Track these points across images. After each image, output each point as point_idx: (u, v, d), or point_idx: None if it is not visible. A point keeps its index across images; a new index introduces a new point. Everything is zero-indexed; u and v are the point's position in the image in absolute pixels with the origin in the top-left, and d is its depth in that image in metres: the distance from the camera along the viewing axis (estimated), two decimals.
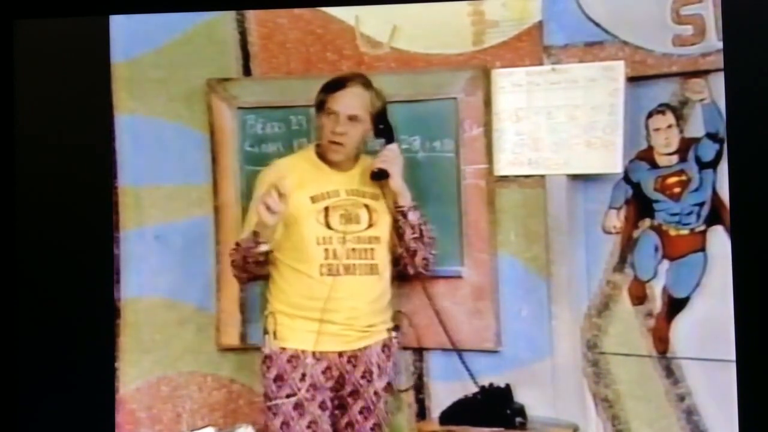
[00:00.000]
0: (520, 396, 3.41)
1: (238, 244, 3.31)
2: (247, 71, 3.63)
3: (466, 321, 3.50)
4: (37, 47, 3.51)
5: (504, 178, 3.48)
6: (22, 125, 3.49)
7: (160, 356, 3.60)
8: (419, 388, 3.56)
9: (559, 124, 3.41)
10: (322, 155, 3.39)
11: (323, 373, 3.31)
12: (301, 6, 3.55)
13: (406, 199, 3.37)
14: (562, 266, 3.44)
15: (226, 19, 3.62)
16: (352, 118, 3.34)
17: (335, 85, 3.37)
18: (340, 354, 3.33)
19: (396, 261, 3.42)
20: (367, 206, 3.39)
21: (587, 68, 3.38)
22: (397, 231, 3.38)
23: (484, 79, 3.47)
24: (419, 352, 3.55)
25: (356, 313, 3.33)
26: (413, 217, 3.37)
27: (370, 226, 3.38)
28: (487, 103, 3.47)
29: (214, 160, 3.62)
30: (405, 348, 3.50)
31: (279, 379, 3.30)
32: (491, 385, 3.40)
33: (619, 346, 3.42)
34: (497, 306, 3.49)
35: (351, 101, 3.34)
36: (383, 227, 3.39)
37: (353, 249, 3.34)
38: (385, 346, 3.39)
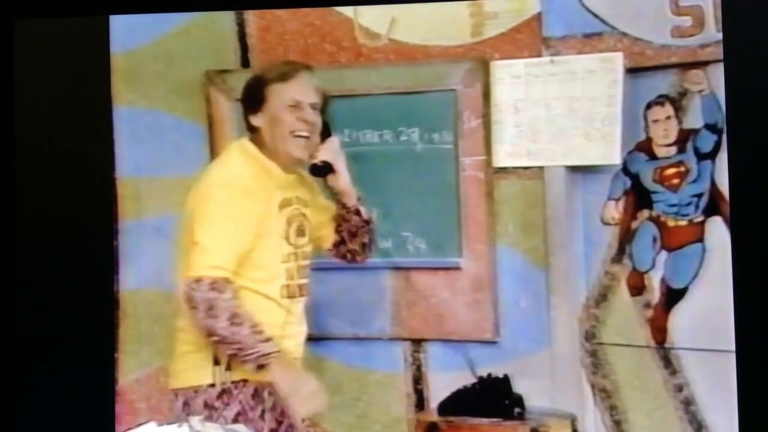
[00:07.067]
0: (519, 386, 3.41)
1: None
2: (245, 63, 3.62)
3: (464, 312, 3.51)
4: (37, 47, 3.50)
5: (503, 170, 3.48)
6: (21, 120, 3.49)
7: (159, 347, 3.59)
8: (418, 378, 3.58)
9: (558, 116, 3.41)
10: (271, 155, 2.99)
11: (271, 410, 2.95)
12: (300, 6, 3.55)
13: (353, 196, 3.09)
14: (560, 257, 3.45)
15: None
16: (315, 107, 3.01)
17: (284, 74, 3.02)
18: None
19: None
20: (305, 215, 3.06)
21: (586, 60, 3.38)
22: (347, 231, 3.12)
23: (482, 70, 3.47)
24: (418, 342, 3.56)
25: (302, 339, 3.04)
26: (365, 210, 3.12)
27: (309, 239, 3.07)
28: (486, 94, 3.47)
29: (213, 152, 3.61)
30: (404, 339, 3.52)
31: (240, 416, 2.88)
32: (490, 375, 3.41)
33: (617, 336, 3.43)
34: (496, 297, 3.49)
35: (309, 88, 3.01)
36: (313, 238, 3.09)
37: (302, 266, 3.02)
38: None
